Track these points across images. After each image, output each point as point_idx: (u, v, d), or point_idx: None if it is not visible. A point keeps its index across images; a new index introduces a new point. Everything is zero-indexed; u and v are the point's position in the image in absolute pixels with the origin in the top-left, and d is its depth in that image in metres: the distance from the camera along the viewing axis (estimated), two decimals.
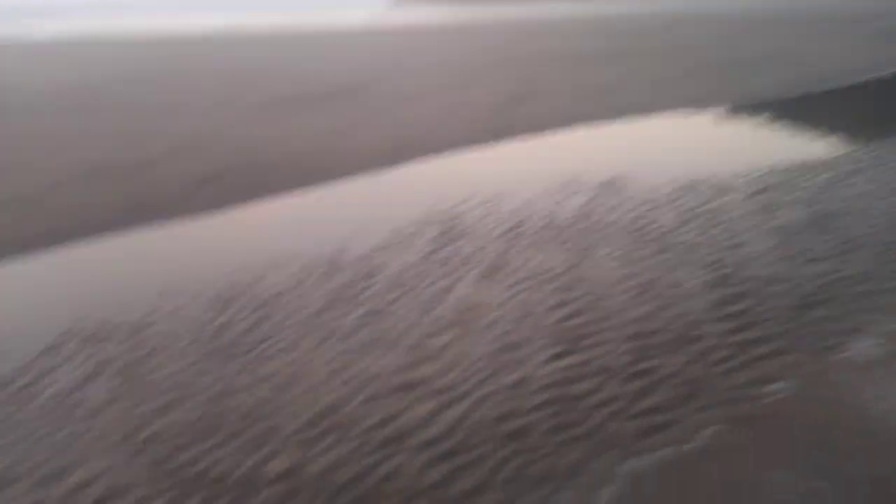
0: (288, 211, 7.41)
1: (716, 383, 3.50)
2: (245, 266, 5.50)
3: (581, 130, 10.81)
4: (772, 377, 3.51)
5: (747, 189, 6.97)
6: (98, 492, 2.93)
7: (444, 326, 4.31)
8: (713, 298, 4.41)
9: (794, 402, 3.31)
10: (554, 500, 2.77)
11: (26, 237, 6.45)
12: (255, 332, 4.36)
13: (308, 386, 3.66)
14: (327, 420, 3.33)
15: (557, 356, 3.86)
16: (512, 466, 2.98)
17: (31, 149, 10.32)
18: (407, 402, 3.47)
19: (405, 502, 2.80)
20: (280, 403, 3.50)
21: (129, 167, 8.98)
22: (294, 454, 3.10)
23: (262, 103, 13.70)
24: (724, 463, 2.94)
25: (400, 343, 4.12)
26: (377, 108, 12.92)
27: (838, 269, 4.66)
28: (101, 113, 13.44)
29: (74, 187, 8.11)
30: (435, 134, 10.49)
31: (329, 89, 15.37)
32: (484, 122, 11.17)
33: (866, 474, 2.81)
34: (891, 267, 4.66)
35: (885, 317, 3.95)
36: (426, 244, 5.88)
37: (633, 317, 4.29)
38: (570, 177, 7.84)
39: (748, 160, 8.18)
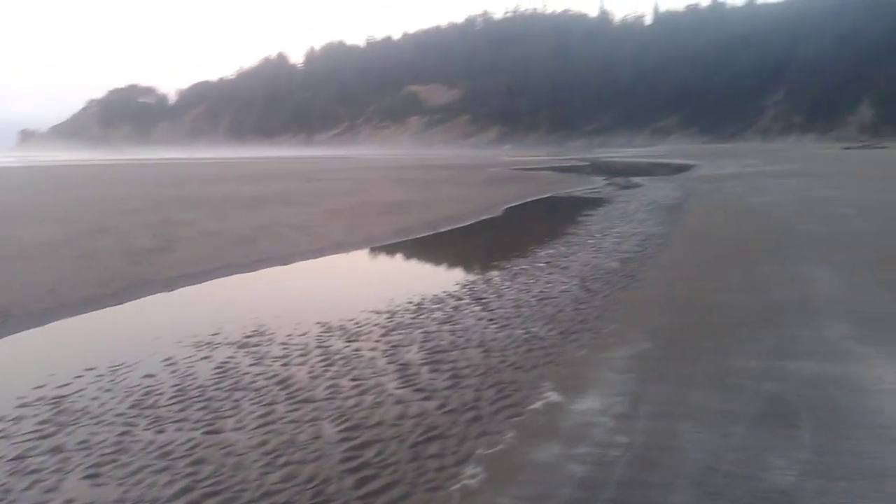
0: None
1: None
2: None
3: (220, 281, 10.59)
4: None
5: (379, 329, 7.51)
6: None
7: None
8: (343, 451, 4.47)
9: None
10: None
11: None
12: None
13: None
14: None
15: None
16: None
17: None
18: None
19: None
20: None
21: None
22: None
23: None
24: None
25: None
26: None
27: (447, 403, 5.19)
28: None
29: None
30: (48, 294, 9.12)
31: None
32: (111, 276, 10.16)
33: None
34: (489, 393, 5.36)
35: (487, 441, 4.46)
36: (23, 439, 4.86)
37: (267, 488, 4.07)
38: (209, 333, 7.50)
39: (382, 298, 8.90)
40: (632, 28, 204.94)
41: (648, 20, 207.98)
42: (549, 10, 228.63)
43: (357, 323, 7.85)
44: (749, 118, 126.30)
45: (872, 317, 6.42)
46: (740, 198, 20.21)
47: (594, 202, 22.41)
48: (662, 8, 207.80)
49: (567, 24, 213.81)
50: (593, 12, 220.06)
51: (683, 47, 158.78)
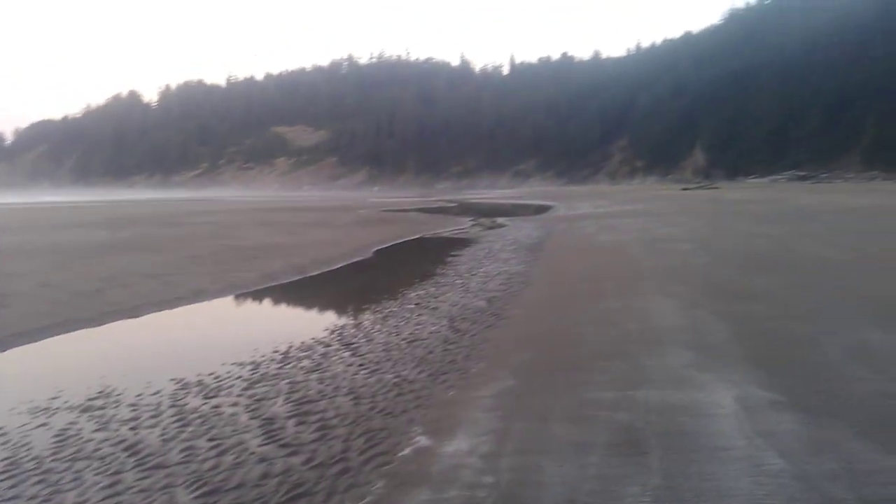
0: None
1: None
2: None
3: (60, 338, 9.64)
4: None
5: (242, 382, 7.16)
6: None
7: None
8: None
9: None
10: None
11: None
12: None
13: None
14: None
15: None
16: None
17: None
18: None
19: None
20: None
21: None
22: None
23: None
24: None
25: None
26: None
27: (314, 457, 5.03)
28: None
29: None
30: None
31: None
32: None
33: None
34: (358, 443, 5.26)
35: (355, 494, 4.35)
36: None
37: None
38: (46, 397, 6.76)
39: (245, 349, 8.50)
40: (491, 77, 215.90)
41: (506, 70, 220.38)
42: (413, 58, 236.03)
43: (217, 377, 7.45)
44: (599, 162, 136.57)
45: (709, 345, 7.05)
46: (592, 236, 21.65)
47: (462, 242, 23.02)
48: (518, 59, 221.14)
49: (431, 71, 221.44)
50: (455, 61, 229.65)
51: (538, 96, 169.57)
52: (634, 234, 21.09)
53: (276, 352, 8.48)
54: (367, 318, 10.58)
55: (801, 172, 74.64)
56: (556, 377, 6.38)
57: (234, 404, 6.48)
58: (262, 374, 7.48)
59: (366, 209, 51.12)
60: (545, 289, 12.18)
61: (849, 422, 4.69)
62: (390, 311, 10.95)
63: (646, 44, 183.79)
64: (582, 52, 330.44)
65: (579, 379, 6.21)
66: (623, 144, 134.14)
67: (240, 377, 7.42)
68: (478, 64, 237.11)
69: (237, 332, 10.57)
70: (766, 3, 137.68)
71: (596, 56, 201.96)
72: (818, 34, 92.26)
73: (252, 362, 8.01)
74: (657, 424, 4.89)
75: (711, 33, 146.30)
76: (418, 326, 9.62)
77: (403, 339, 8.85)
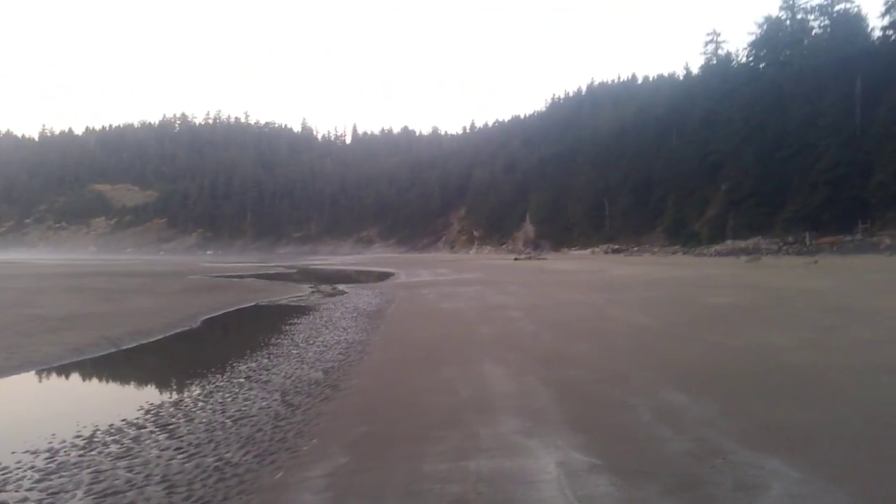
0: None
1: None
2: None
3: None
4: None
5: (34, 474, 6.20)
6: None
7: None
8: None
9: None
10: None
11: None
12: None
13: None
14: None
15: None
16: None
17: None
18: None
19: None
20: None
21: None
22: None
23: None
24: None
25: None
26: None
27: None
28: None
29: None
30: None
31: None
32: None
33: None
34: None
35: None
36: None
37: None
38: None
39: (41, 435, 7.43)
40: (334, 145, 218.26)
41: (349, 139, 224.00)
42: (252, 121, 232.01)
43: (4, 469, 6.42)
44: (439, 231, 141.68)
45: (536, 410, 7.35)
46: (433, 304, 22.08)
47: (300, 310, 22.36)
48: (360, 129, 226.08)
49: (272, 135, 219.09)
50: (297, 127, 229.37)
51: (381, 165, 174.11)
52: (471, 301, 21.83)
53: (78, 437, 7.51)
54: (188, 394, 9.78)
55: (616, 245, 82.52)
56: (392, 450, 6.26)
57: (23, 500, 5.60)
58: (59, 464, 6.55)
59: (197, 275, 48.18)
60: (384, 357, 12.09)
61: (658, 481, 5.06)
62: (216, 387, 10.22)
63: (479, 123, 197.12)
64: (421, 127, 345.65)
65: (415, 451, 6.14)
66: (461, 215, 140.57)
67: (32, 467, 6.45)
68: (320, 131, 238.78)
69: (33, 415, 9.26)
70: (583, 94, 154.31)
71: (435, 131, 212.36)
72: (625, 123, 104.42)
73: (49, 450, 7.02)
74: (487, 495, 4.93)
75: (537, 118, 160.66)
76: (247, 402, 9.05)
77: (229, 418, 8.25)
